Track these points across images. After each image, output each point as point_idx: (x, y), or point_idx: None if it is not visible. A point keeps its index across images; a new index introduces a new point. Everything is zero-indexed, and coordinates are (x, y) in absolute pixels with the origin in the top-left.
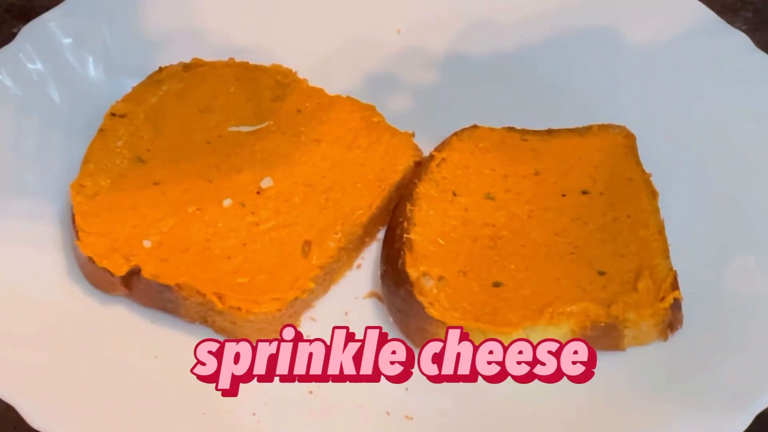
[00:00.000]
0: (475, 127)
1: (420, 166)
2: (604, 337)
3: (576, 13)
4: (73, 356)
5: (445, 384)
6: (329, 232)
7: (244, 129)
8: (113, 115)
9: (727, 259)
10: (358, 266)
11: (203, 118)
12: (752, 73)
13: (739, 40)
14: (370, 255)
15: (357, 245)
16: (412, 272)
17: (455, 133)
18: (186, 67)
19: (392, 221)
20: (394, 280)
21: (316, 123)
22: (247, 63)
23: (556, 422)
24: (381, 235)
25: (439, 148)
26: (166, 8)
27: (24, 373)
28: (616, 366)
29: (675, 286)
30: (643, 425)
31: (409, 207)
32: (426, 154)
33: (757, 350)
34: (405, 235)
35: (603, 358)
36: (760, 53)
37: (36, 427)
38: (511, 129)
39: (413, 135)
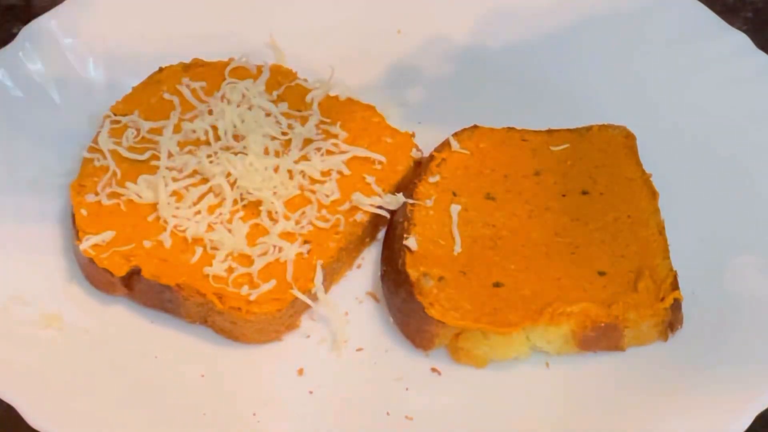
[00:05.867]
0: (475, 127)
1: (420, 166)
2: (604, 337)
3: (576, 13)
4: (74, 356)
5: (445, 384)
6: (329, 232)
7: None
8: (113, 115)
9: (727, 259)
10: (358, 266)
11: (203, 118)
12: (752, 73)
13: (739, 40)
14: (370, 255)
15: (357, 245)
16: (412, 272)
17: (455, 133)
18: (186, 67)
19: (392, 221)
20: (394, 281)
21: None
22: (247, 63)
23: (556, 422)
24: (381, 235)
25: (439, 148)
26: (166, 9)
27: (24, 373)
28: (616, 366)
29: (675, 286)
30: (643, 425)
31: (409, 207)
32: (426, 154)
33: (757, 350)
34: (405, 235)
35: (603, 358)
36: (761, 53)
37: (36, 427)
38: (511, 129)
39: (413, 135)
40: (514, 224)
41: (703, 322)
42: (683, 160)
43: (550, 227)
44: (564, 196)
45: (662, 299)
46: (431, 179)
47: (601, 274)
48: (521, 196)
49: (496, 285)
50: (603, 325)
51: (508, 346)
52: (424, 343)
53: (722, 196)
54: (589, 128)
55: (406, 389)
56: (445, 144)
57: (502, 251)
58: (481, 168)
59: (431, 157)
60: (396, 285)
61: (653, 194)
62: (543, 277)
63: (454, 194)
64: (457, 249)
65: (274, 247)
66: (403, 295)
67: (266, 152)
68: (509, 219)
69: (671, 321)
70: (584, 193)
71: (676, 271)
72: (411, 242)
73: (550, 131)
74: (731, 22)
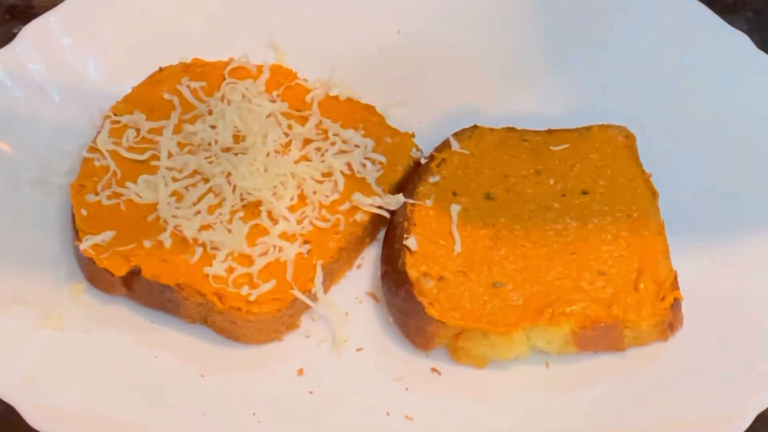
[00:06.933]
0: (475, 127)
1: (420, 166)
2: (604, 337)
3: (576, 13)
4: (74, 356)
5: (445, 384)
6: (329, 232)
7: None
8: (113, 115)
9: (727, 259)
10: (358, 266)
11: (203, 118)
12: (752, 73)
13: (739, 40)
14: (370, 255)
15: (357, 245)
16: (412, 272)
17: (455, 133)
18: (186, 67)
19: (392, 221)
20: (394, 281)
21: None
22: (247, 63)
23: (556, 422)
24: (381, 235)
25: (439, 148)
26: (166, 8)
27: (24, 373)
28: (615, 366)
29: (675, 286)
30: (644, 426)
31: (409, 207)
32: (426, 154)
33: (756, 350)
34: (405, 235)
35: (603, 358)
36: (761, 53)
37: (36, 427)
38: (511, 129)
39: (413, 135)
40: (514, 224)
41: (703, 322)
42: (683, 160)
43: (551, 227)
44: (564, 196)
45: (662, 299)
46: (431, 179)
47: (601, 274)
48: (521, 196)
49: (496, 285)
50: (603, 325)
51: (508, 346)
52: (424, 343)
53: (722, 196)
54: (589, 128)
55: (406, 389)
56: (445, 144)
57: (502, 251)
58: (481, 168)
59: (431, 157)
60: (396, 285)
61: (653, 194)
62: (543, 277)
63: (454, 194)
64: (457, 249)
65: (274, 247)
66: (403, 295)
67: (266, 152)
68: (509, 219)
69: (671, 321)
70: (584, 193)
71: (676, 271)
72: (411, 242)
73: (550, 131)
74: (731, 22)
